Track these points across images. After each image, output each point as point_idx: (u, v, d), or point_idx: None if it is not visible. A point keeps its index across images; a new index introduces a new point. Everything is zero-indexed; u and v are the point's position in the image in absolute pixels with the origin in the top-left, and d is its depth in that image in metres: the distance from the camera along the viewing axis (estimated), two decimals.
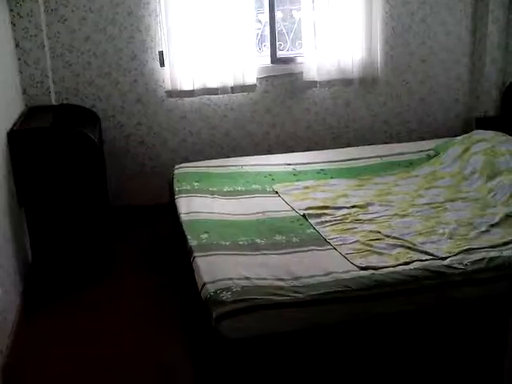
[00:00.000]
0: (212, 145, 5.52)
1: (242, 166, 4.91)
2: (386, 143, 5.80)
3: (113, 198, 5.00)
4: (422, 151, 5.24)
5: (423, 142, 5.49)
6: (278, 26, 5.51)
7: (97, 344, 3.66)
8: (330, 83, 5.52)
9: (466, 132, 5.82)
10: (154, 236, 5.08)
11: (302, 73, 5.48)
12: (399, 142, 5.82)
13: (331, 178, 4.72)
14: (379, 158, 5.11)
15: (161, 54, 5.11)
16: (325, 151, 5.31)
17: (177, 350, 3.64)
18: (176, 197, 4.36)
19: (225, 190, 4.46)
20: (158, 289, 4.27)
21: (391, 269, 3.22)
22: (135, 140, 5.35)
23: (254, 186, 4.54)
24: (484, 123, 5.53)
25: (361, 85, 5.64)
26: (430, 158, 5.08)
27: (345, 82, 5.57)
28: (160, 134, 5.38)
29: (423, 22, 5.69)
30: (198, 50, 5.15)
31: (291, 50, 5.68)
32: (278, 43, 5.52)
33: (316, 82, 5.46)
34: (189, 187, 4.48)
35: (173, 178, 4.72)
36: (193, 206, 4.14)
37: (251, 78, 5.32)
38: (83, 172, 4.24)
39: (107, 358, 3.51)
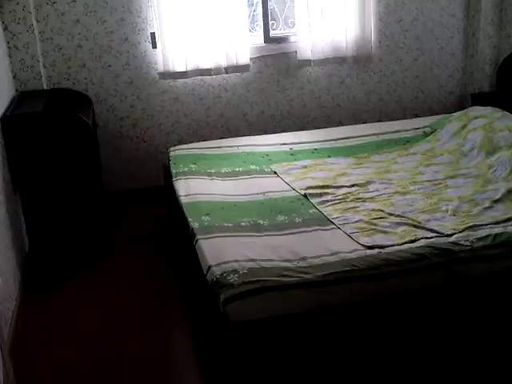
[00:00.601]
0: (206, 126, 5.46)
1: (238, 146, 4.85)
2: (381, 121, 5.76)
3: (107, 182, 4.92)
4: (418, 128, 5.20)
5: (419, 119, 5.46)
6: (270, 4, 5.43)
7: (98, 330, 3.62)
8: (323, 62, 5.46)
9: (461, 108, 5.81)
10: (151, 219, 5.03)
11: (295, 52, 5.42)
12: (394, 119, 5.78)
13: (329, 156, 4.68)
14: (375, 136, 5.07)
15: (153, 35, 5.03)
16: (321, 130, 5.27)
17: (181, 335, 3.59)
18: (174, 179, 4.30)
19: (223, 171, 4.41)
20: (159, 272, 4.22)
21: (397, 247, 3.19)
22: (128, 123, 5.27)
23: (251, 167, 4.49)
24: (479, 99, 5.49)
25: (355, 63, 5.59)
26: (426, 135, 5.05)
27: (339, 61, 5.52)
28: (153, 117, 5.31)
29: None
30: (191, 31, 5.06)
31: (283, 30, 5.60)
32: (270, 22, 5.44)
33: (310, 60, 5.40)
34: (186, 169, 4.42)
35: (169, 161, 4.66)
36: (192, 188, 4.09)
37: (244, 58, 5.25)
38: (78, 156, 4.17)
39: (109, 345, 3.47)
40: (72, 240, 4.31)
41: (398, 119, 5.76)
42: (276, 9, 5.53)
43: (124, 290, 4.04)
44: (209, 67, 5.18)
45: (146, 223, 4.97)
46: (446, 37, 5.82)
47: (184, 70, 5.12)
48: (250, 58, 5.31)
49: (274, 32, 5.53)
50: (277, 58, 5.47)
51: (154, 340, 3.49)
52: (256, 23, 5.51)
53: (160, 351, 3.40)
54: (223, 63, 5.21)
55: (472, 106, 5.48)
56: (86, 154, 4.19)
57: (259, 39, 5.47)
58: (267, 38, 5.47)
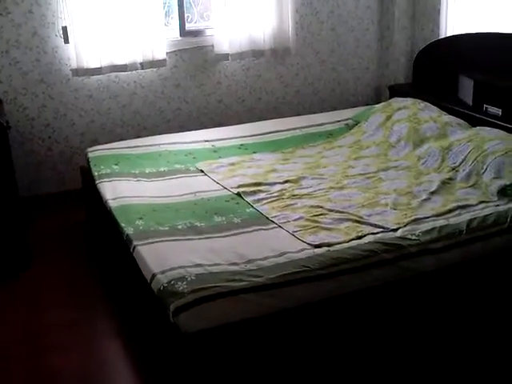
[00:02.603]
0: (122, 124, 5.21)
1: (159, 145, 4.65)
2: (299, 114, 5.69)
3: (20, 188, 4.59)
4: (339, 121, 5.17)
5: (340, 112, 5.43)
6: None
7: (24, 345, 3.35)
8: (241, 55, 5.32)
9: (378, 100, 5.86)
10: (71, 225, 4.73)
11: (212, 45, 5.25)
12: (312, 112, 5.72)
13: (254, 152, 4.56)
14: (298, 130, 5.00)
15: (64, 29, 4.72)
16: (242, 125, 5.14)
17: (120, 351, 3.34)
18: (97, 182, 4.06)
19: (147, 171, 4.21)
20: (84, 282, 3.96)
21: (345, 244, 3.12)
22: (40, 123, 4.94)
23: (176, 166, 4.30)
24: (396, 91, 5.50)
25: (272, 56, 5.48)
26: (349, 127, 5.02)
27: (256, 54, 5.39)
28: (66, 116, 5.01)
29: None
30: (104, 25, 4.79)
31: (199, 22, 5.42)
32: (185, 15, 5.25)
33: (227, 54, 5.25)
34: (109, 171, 4.19)
35: (88, 162, 4.40)
36: (119, 191, 3.87)
37: (161, 53, 5.04)
38: None
39: (35, 366, 3.19)
40: None
41: (316, 112, 5.70)
42: (191, 1, 5.33)
43: (47, 304, 3.74)
44: (124, 63, 4.93)
45: (64, 229, 4.66)
46: (361, 28, 5.80)
47: (98, 66, 4.85)
48: (166, 53, 5.10)
49: (190, 25, 5.34)
50: (193, 52, 5.29)
51: (91, 359, 3.25)
52: (171, 16, 5.30)
53: (97, 371, 3.16)
54: (139, 59, 4.98)
55: (390, 97, 5.48)
56: None
57: (175, 33, 5.27)
58: (183, 32, 5.27)
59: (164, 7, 5.13)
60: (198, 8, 5.38)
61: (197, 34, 5.33)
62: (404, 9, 5.62)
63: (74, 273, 4.07)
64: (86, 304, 3.72)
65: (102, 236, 4.20)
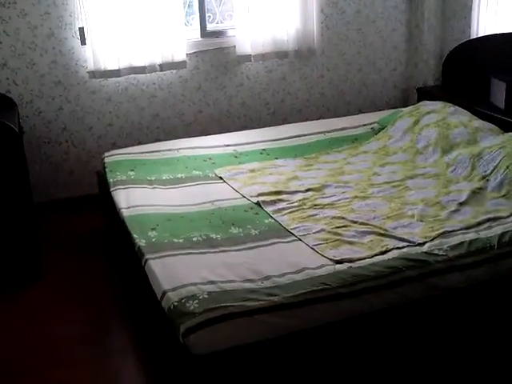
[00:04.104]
0: (141, 128, 5.08)
1: (177, 149, 4.50)
2: (323, 117, 5.52)
3: (36, 192, 4.48)
4: (365, 125, 4.98)
5: (365, 115, 5.24)
6: None
7: (33, 358, 3.21)
8: (264, 56, 5.16)
9: (406, 103, 5.67)
10: (87, 233, 4.58)
11: (234, 46, 5.10)
12: (337, 115, 5.55)
13: (276, 158, 4.39)
14: (322, 135, 4.81)
15: (81, 30, 4.60)
16: (265, 129, 4.98)
17: (132, 369, 3.20)
18: (112, 189, 3.92)
19: (164, 178, 4.06)
20: (98, 296, 3.80)
21: (368, 260, 2.95)
22: (57, 127, 4.82)
23: (194, 172, 4.15)
24: (425, 93, 5.30)
25: (296, 57, 5.31)
26: (375, 131, 4.83)
27: (280, 55, 5.22)
28: (84, 119, 4.88)
29: None
30: (122, 26, 4.66)
31: (221, 23, 5.27)
32: (207, 15, 5.10)
33: (250, 55, 5.09)
34: (124, 177, 4.04)
35: (104, 168, 4.27)
36: (133, 199, 3.72)
37: (180, 54, 4.90)
38: (2, 166, 3.77)
39: (45, 376, 3.07)
40: None
41: (341, 115, 5.52)
42: (213, 1, 5.17)
43: (58, 318, 3.59)
44: (143, 65, 4.80)
45: (80, 237, 4.51)
46: (388, 29, 5.61)
47: (116, 68, 4.72)
48: (186, 54, 4.95)
49: (211, 26, 5.18)
50: (214, 54, 5.14)
51: (100, 376, 3.10)
52: (191, 16, 5.15)
53: None
54: (158, 60, 4.83)
55: (418, 100, 5.28)
56: (11, 162, 3.80)
57: (195, 33, 5.11)
58: (204, 32, 5.12)
59: (185, 7, 4.98)
60: (221, 8, 5.22)
61: (218, 34, 5.18)
62: (433, 8, 5.41)
63: (86, 285, 3.92)
64: (98, 319, 3.57)
65: (117, 246, 4.05)
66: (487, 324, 3.04)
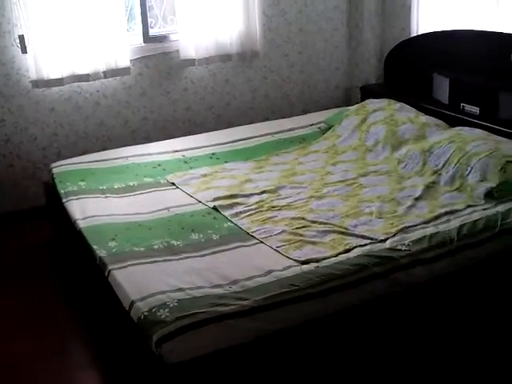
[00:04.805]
0: (86, 136, 4.98)
1: (126, 157, 4.44)
2: (269, 119, 5.52)
3: None
4: (312, 125, 5.03)
5: (311, 115, 5.29)
6: (148, 0, 5.02)
7: None
8: (208, 60, 5.13)
9: (349, 102, 5.73)
10: (36, 245, 4.46)
11: (177, 51, 5.05)
12: (282, 116, 5.55)
13: (226, 162, 4.37)
14: (270, 136, 4.83)
15: (21, 38, 4.46)
16: (212, 133, 4.96)
17: (94, 382, 3.14)
18: (64, 200, 3.83)
19: (116, 186, 3.99)
20: (52, 308, 3.70)
21: (333, 259, 2.97)
22: (0, 139, 4.70)
23: (146, 179, 4.09)
24: (368, 91, 5.36)
25: (240, 60, 5.30)
26: (322, 131, 4.86)
27: (223, 58, 5.20)
28: (28, 130, 4.76)
29: None
30: (64, 33, 4.56)
31: (163, 27, 5.21)
32: (149, 20, 5.04)
33: (194, 59, 5.05)
34: (75, 188, 3.96)
35: (53, 179, 4.17)
36: (88, 210, 3.65)
37: (124, 61, 4.82)
38: None
39: None
40: None
41: (285, 116, 5.53)
42: (154, 5, 5.12)
43: (12, 334, 3.46)
44: (86, 72, 4.70)
45: (29, 250, 4.38)
46: (330, 29, 5.65)
47: (59, 76, 4.61)
48: (130, 60, 4.89)
49: (154, 31, 5.12)
50: (158, 59, 5.08)
51: None
52: (133, 22, 5.08)
53: None
54: (101, 67, 4.75)
55: (361, 98, 5.35)
56: None
57: (138, 39, 5.05)
58: (147, 38, 5.05)
59: (127, 12, 4.91)
60: (162, 12, 5.17)
61: (161, 39, 5.12)
62: (373, 8, 5.48)
63: (40, 299, 3.80)
64: (56, 333, 3.47)
65: (70, 257, 3.97)
66: (452, 316, 3.10)
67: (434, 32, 4.93)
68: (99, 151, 4.74)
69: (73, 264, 3.93)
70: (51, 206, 4.30)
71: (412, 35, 5.20)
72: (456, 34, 4.69)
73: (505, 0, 4.33)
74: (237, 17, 5.10)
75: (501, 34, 4.31)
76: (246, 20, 5.12)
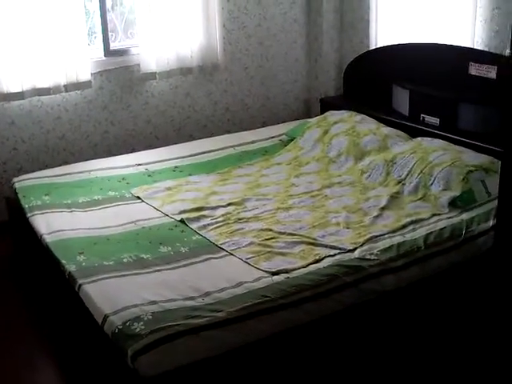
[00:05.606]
0: (47, 151, 4.93)
1: (89, 171, 4.41)
2: (230, 132, 5.55)
3: None
4: (273, 137, 5.07)
5: (272, 128, 5.33)
6: (109, 14, 5.01)
7: None
8: (169, 73, 5.13)
9: (309, 114, 5.78)
10: None
11: (138, 65, 5.04)
12: (242, 129, 5.57)
13: (189, 175, 4.38)
14: (232, 149, 4.85)
15: None
16: (175, 146, 4.97)
17: None
18: (28, 215, 3.79)
19: (80, 201, 3.96)
20: (18, 326, 3.63)
21: (304, 269, 3.01)
22: None
23: (110, 193, 4.08)
24: (328, 104, 5.43)
25: (200, 73, 5.31)
26: (284, 143, 4.91)
27: (184, 71, 5.21)
28: None
29: (259, 3, 5.46)
30: (25, 46, 4.51)
31: (123, 41, 5.20)
32: (109, 34, 5.03)
33: (154, 73, 5.05)
34: (40, 202, 3.92)
35: (16, 194, 4.12)
36: (53, 224, 3.62)
37: (85, 74, 4.79)
38: None
39: None
40: None
41: (246, 129, 5.56)
42: (114, 19, 5.11)
43: None
44: (47, 86, 4.66)
45: None
46: (289, 42, 5.71)
47: (19, 90, 4.56)
48: (91, 74, 4.86)
49: (114, 44, 5.11)
50: (119, 72, 5.06)
51: None
52: (94, 35, 5.06)
53: None
54: (62, 81, 4.71)
55: (321, 110, 5.40)
56: None
57: (99, 53, 5.03)
58: (108, 51, 5.04)
59: (87, 26, 4.89)
60: (123, 26, 5.16)
61: (122, 53, 5.11)
62: (332, 21, 5.54)
63: (3, 317, 3.74)
64: (23, 353, 3.41)
65: (34, 273, 3.92)
66: (421, 323, 3.16)
67: (393, 45, 5.01)
68: (61, 165, 4.72)
69: (37, 279, 3.88)
70: (14, 221, 4.25)
71: (371, 48, 5.28)
72: (415, 46, 4.77)
73: (462, 14, 4.43)
74: (197, 30, 5.11)
75: (458, 47, 4.40)
76: (207, 33, 5.14)
